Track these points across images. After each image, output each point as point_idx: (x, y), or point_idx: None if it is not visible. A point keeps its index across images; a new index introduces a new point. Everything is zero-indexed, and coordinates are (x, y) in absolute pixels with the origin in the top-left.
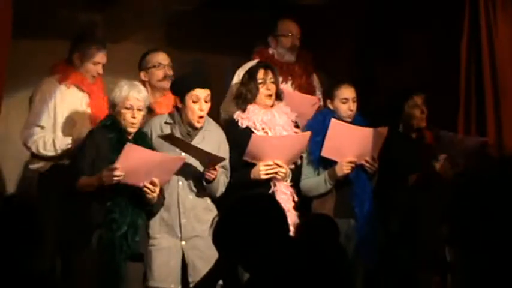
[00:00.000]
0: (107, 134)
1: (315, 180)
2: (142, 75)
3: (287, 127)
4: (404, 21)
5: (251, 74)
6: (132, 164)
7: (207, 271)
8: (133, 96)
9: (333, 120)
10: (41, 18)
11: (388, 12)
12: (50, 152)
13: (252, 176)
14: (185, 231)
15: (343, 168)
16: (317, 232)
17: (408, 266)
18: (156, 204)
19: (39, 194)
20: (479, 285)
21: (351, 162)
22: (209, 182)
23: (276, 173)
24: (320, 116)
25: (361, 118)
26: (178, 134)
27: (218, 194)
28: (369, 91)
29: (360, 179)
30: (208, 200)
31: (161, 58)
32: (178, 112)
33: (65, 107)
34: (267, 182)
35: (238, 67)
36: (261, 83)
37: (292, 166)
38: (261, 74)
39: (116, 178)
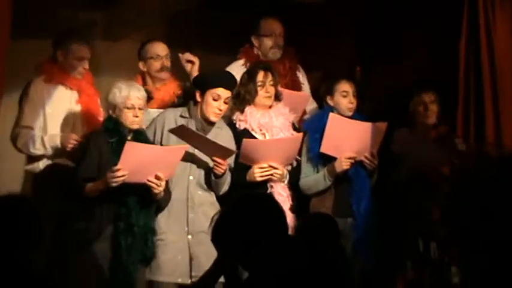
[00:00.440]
0: (109, 138)
1: (314, 178)
2: (141, 65)
3: (284, 129)
4: (403, 20)
5: (251, 75)
6: (134, 161)
7: (206, 270)
8: (134, 95)
9: (331, 114)
10: (41, 18)
11: (387, 11)
12: (40, 151)
13: (248, 178)
14: (192, 226)
15: (343, 164)
16: (317, 231)
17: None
18: (163, 199)
19: (34, 194)
20: (479, 286)
21: (350, 158)
22: (218, 176)
23: (271, 174)
24: (320, 113)
25: (359, 115)
26: (193, 129)
27: (221, 192)
28: (368, 89)
29: (359, 176)
30: (214, 197)
31: (159, 49)
32: (195, 106)
33: (53, 107)
34: (264, 184)
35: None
36: (260, 86)
37: (289, 167)
38: (260, 76)
39: (120, 178)
